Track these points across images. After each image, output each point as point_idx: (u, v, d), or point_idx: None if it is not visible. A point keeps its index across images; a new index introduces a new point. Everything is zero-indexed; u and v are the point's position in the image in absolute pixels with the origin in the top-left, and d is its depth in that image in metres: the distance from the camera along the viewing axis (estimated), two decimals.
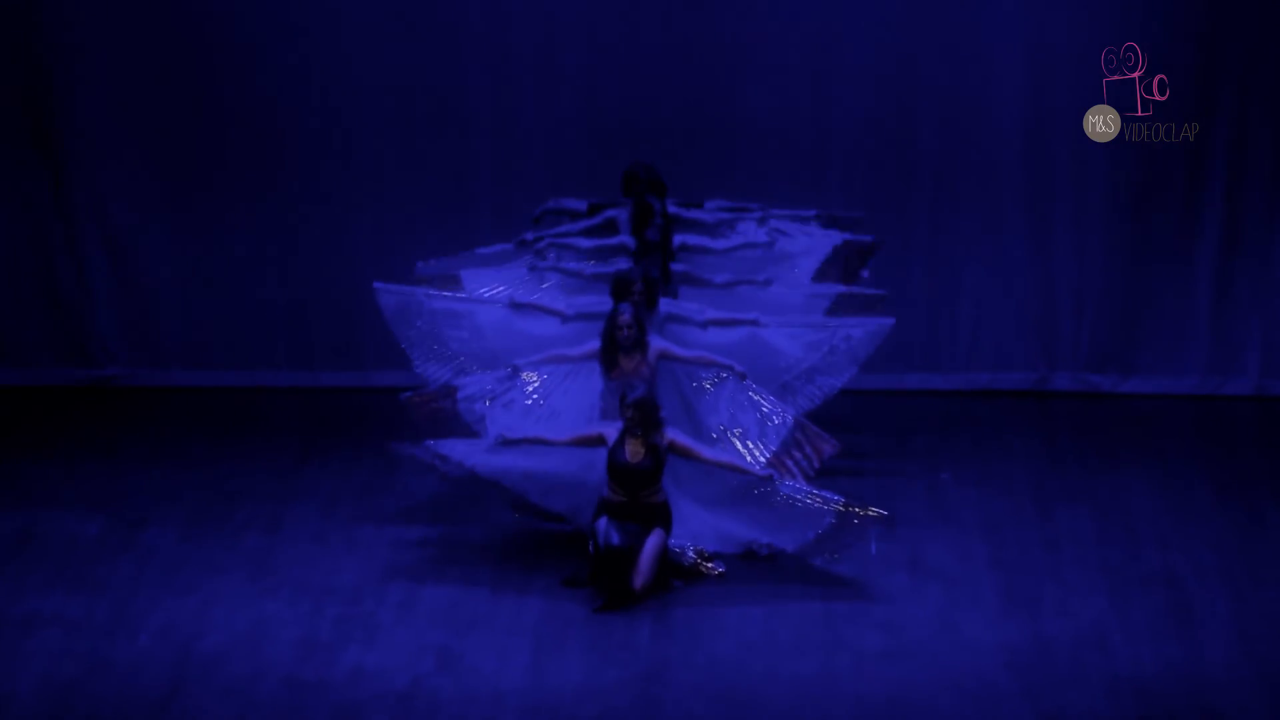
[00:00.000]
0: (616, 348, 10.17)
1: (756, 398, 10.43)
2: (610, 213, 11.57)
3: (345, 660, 9.24)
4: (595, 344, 10.32)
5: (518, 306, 10.68)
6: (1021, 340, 13.17)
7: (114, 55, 12.86)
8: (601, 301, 10.54)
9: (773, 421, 10.36)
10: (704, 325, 10.58)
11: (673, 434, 9.93)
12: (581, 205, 11.81)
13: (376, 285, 10.86)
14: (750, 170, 12.78)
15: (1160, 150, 12.68)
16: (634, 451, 9.85)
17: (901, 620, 9.64)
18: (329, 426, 12.57)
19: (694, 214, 11.60)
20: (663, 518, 9.93)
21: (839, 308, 11.12)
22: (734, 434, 10.42)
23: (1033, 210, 12.93)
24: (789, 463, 10.31)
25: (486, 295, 10.93)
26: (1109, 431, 12.48)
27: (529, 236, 11.51)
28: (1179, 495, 11.27)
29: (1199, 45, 12.55)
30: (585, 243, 11.36)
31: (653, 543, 9.84)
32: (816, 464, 10.39)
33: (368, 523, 10.91)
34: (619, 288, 10.40)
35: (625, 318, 10.17)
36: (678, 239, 11.29)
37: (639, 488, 9.86)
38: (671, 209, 11.46)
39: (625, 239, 11.28)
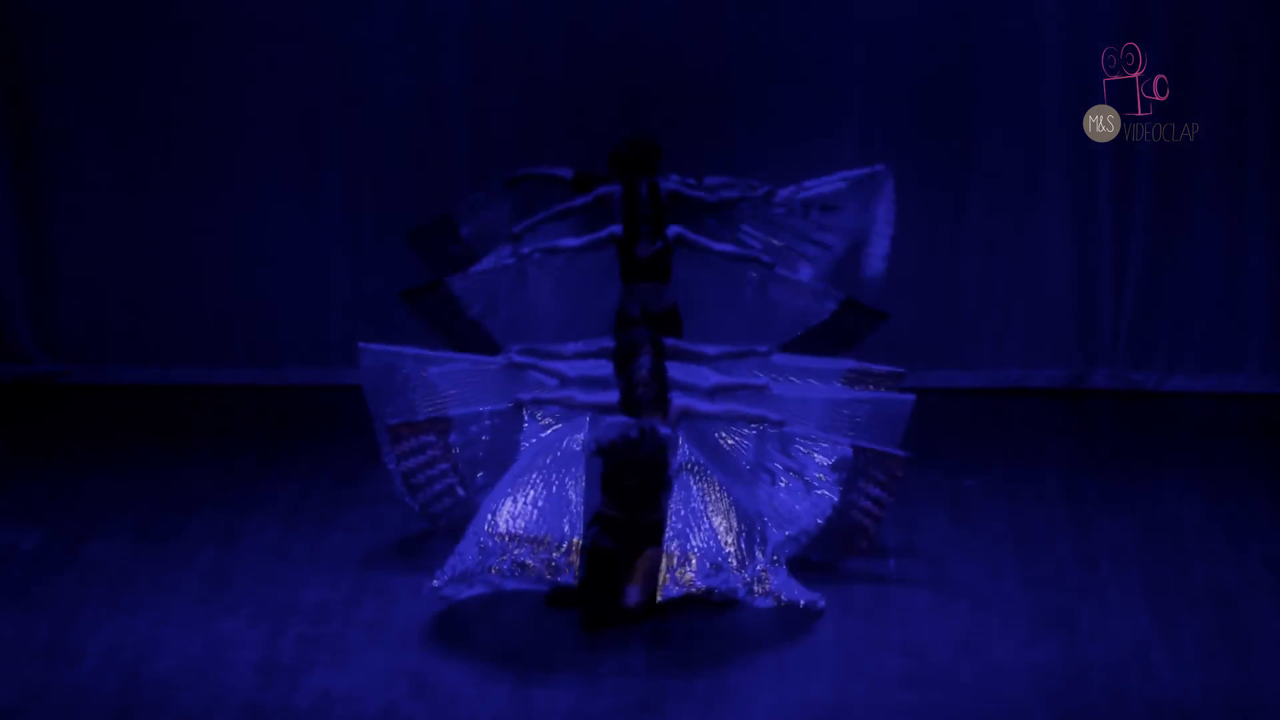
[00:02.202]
0: (636, 406, 10.07)
1: (801, 445, 10.35)
2: (603, 190, 11.55)
3: (310, 685, 9.24)
4: (613, 396, 10.22)
5: (516, 367, 10.59)
6: (1055, 333, 13.17)
7: (58, 42, 12.84)
8: (603, 365, 10.50)
9: (829, 460, 10.27)
10: (710, 393, 10.48)
11: (677, 402, 9.99)
12: (567, 173, 11.80)
13: (361, 345, 10.69)
14: (764, 143, 12.76)
15: (1208, 131, 12.68)
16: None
17: (923, 642, 9.64)
18: (292, 428, 12.56)
19: (695, 193, 11.57)
20: (661, 538, 9.92)
21: (851, 385, 11.00)
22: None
23: (1069, 190, 12.93)
24: (863, 503, 10.20)
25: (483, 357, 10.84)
26: (1152, 434, 12.48)
27: (517, 229, 11.49)
28: (1230, 504, 11.27)
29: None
30: (573, 242, 11.34)
31: (650, 557, 9.83)
32: (892, 490, 10.22)
33: (335, 533, 10.91)
34: (624, 355, 10.34)
35: (643, 374, 10.06)
36: (673, 230, 11.25)
37: (637, 505, 9.87)
38: (672, 186, 11.43)
39: (615, 229, 11.26)
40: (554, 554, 9.66)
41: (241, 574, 10.41)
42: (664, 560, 9.71)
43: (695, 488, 9.80)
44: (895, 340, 11.80)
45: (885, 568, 10.40)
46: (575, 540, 9.69)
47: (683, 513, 9.76)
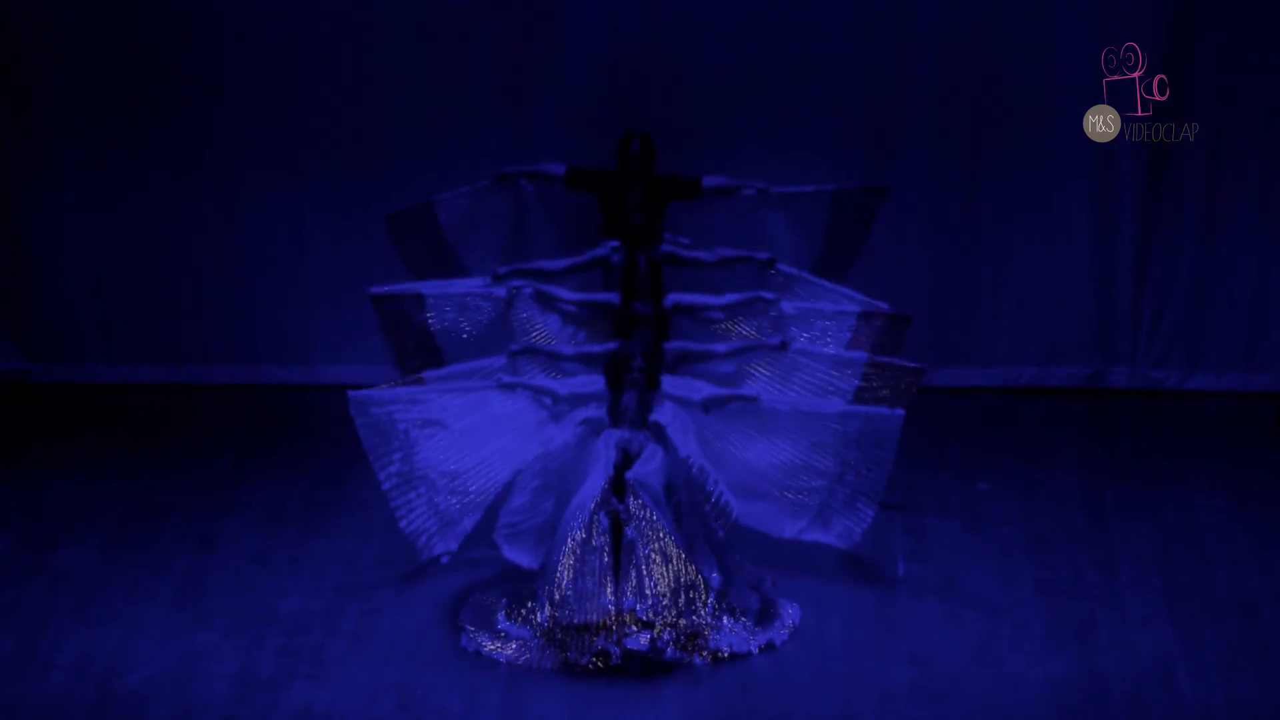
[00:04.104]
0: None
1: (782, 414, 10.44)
2: (600, 251, 11.45)
3: (290, 700, 9.24)
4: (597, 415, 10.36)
5: (506, 388, 10.61)
6: (1073, 330, 13.15)
7: (29, 38, 12.82)
8: (594, 380, 10.53)
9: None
10: (704, 406, 10.54)
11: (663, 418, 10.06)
12: (559, 169, 11.77)
13: (350, 394, 10.57)
14: (765, 141, 12.74)
15: (1232, 115, 12.67)
16: None
17: (933, 653, 9.64)
18: (271, 429, 12.54)
19: (692, 253, 11.50)
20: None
21: (870, 381, 10.98)
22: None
23: (1088, 183, 12.90)
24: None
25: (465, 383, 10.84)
26: (1173, 434, 12.47)
27: (502, 270, 11.44)
28: (1255, 508, 11.26)
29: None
30: (569, 295, 11.31)
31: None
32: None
33: (316, 540, 10.90)
34: (615, 369, 10.34)
35: (632, 415, 10.21)
36: (671, 298, 11.20)
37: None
38: (667, 249, 11.39)
39: (611, 297, 11.23)
40: (605, 639, 9.61)
41: (217, 582, 10.40)
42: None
43: (640, 538, 9.75)
44: (907, 336, 11.75)
45: (893, 574, 10.38)
46: (613, 614, 9.67)
47: (625, 568, 9.73)
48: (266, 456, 12.04)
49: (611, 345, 10.65)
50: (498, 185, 11.96)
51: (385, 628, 9.91)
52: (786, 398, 10.67)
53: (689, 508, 10.15)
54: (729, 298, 11.25)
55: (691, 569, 9.75)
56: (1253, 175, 12.84)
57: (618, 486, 9.73)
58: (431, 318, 11.20)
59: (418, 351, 11.20)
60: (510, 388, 10.55)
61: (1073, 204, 12.93)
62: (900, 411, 10.37)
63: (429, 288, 11.30)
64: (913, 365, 10.93)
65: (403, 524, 10.40)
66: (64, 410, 12.93)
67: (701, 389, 10.54)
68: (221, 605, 10.12)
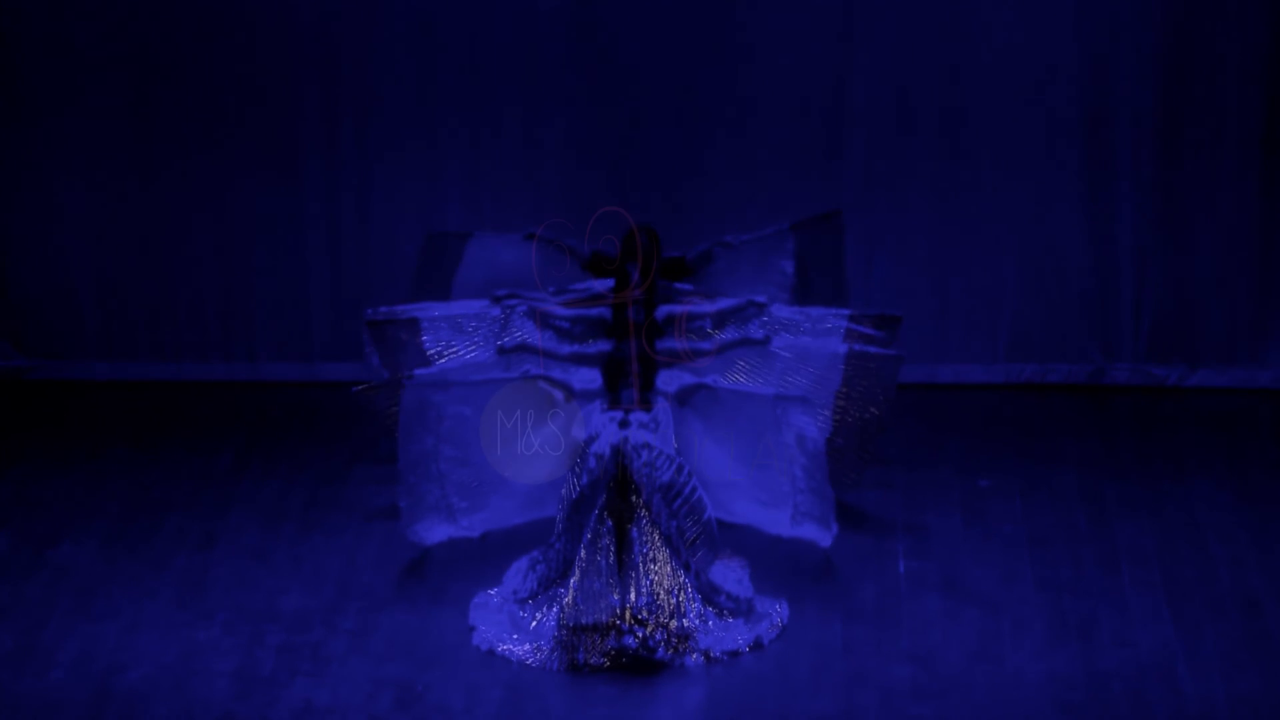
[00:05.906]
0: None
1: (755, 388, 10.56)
2: (599, 289, 11.44)
3: (290, 697, 9.25)
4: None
5: (530, 380, 10.65)
6: (1073, 326, 13.15)
7: (23, 29, 12.82)
8: (595, 377, 10.56)
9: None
10: (678, 399, 10.59)
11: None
12: (584, 250, 11.72)
13: (416, 373, 10.59)
14: (754, 141, 12.75)
15: (1233, 108, 12.68)
16: None
17: (934, 651, 9.65)
18: (271, 426, 12.55)
19: (692, 302, 11.52)
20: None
21: (852, 372, 11.00)
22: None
23: (1087, 174, 12.91)
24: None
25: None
26: (1175, 431, 12.47)
27: (501, 291, 11.46)
28: (1257, 505, 11.26)
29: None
30: (564, 311, 11.30)
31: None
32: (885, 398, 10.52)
33: (316, 537, 10.91)
34: (610, 370, 10.39)
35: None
36: (662, 310, 11.22)
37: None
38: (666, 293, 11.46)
39: (605, 311, 11.25)
40: (615, 639, 9.64)
41: (217, 580, 10.41)
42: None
43: (639, 537, 9.78)
44: (905, 333, 11.76)
45: (894, 572, 10.39)
46: (617, 613, 9.69)
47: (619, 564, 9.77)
48: (266, 453, 12.05)
49: (605, 346, 10.67)
50: (525, 241, 11.90)
51: (386, 625, 9.92)
52: (737, 385, 10.70)
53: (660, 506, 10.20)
54: (721, 304, 11.29)
55: (681, 570, 9.77)
56: (1254, 172, 12.85)
57: (621, 486, 9.75)
58: (427, 340, 11.21)
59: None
60: (534, 380, 10.60)
61: (1073, 200, 12.94)
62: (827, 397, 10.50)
63: (423, 311, 11.32)
64: (890, 353, 10.91)
65: (401, 501, 10.46)
66: (63, 408, 12.94)
67: (675, 379, 10.59)
68: (222, 602, 10.13)
